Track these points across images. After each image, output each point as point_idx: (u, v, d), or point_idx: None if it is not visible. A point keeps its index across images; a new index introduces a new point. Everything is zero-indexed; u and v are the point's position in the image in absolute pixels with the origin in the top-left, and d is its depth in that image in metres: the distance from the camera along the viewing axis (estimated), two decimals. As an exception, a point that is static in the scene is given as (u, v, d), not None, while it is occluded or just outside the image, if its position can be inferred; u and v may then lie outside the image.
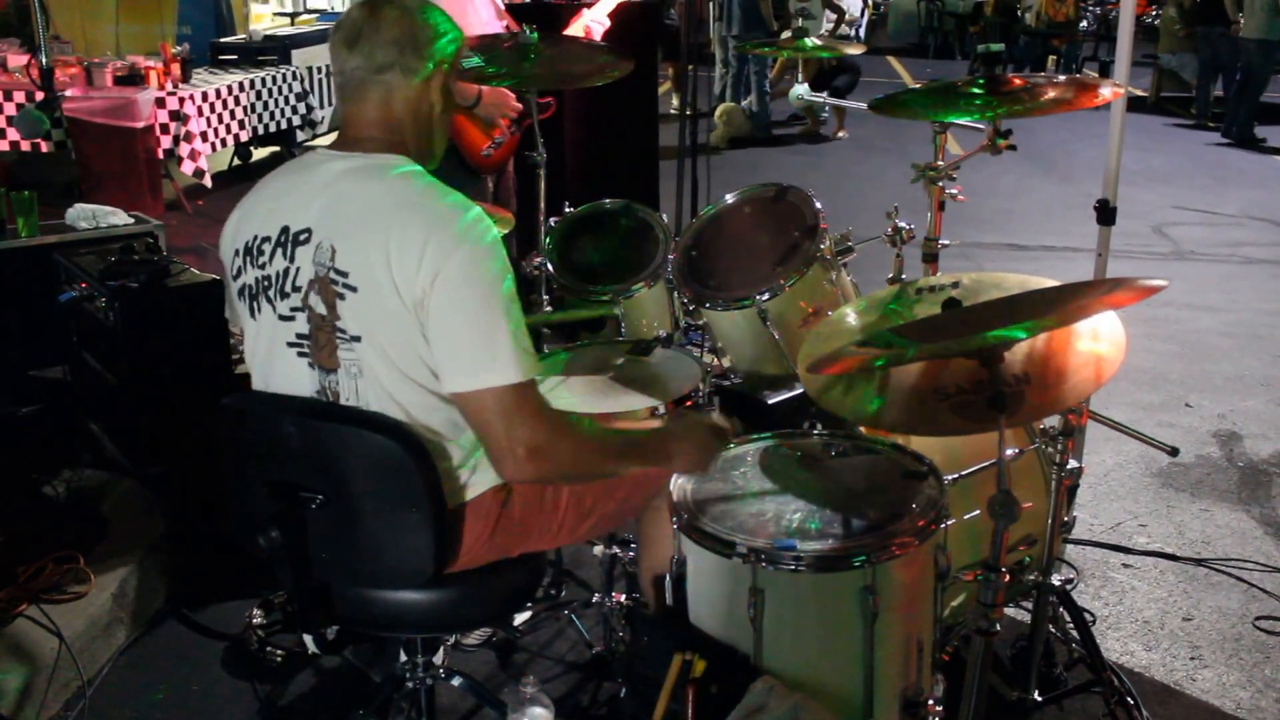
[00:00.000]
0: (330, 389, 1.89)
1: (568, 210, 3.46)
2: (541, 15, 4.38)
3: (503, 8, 3.91)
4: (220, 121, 7.38)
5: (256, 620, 2.96)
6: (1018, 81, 2.68)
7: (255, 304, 1.94)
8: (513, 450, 1.80)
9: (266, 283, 1.91)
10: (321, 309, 1.85)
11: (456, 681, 2.51)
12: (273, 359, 1.95)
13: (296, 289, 1.87)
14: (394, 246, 1.77)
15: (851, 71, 10.49)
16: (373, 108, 1.92)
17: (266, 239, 1.91)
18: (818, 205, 2.95)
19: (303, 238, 1.86)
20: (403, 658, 2.31)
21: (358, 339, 1.83)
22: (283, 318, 1.91)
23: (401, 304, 1.78)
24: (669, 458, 2.07)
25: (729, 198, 3.17)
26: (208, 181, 7.20)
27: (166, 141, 6.94)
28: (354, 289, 1.81)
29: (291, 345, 1.91)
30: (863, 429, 2.41)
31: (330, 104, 8.93)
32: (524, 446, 1.80)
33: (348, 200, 1.85)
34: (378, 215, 1.81)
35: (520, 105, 3.70)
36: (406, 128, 1.93)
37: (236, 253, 1.96)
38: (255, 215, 1.96)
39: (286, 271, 1.88)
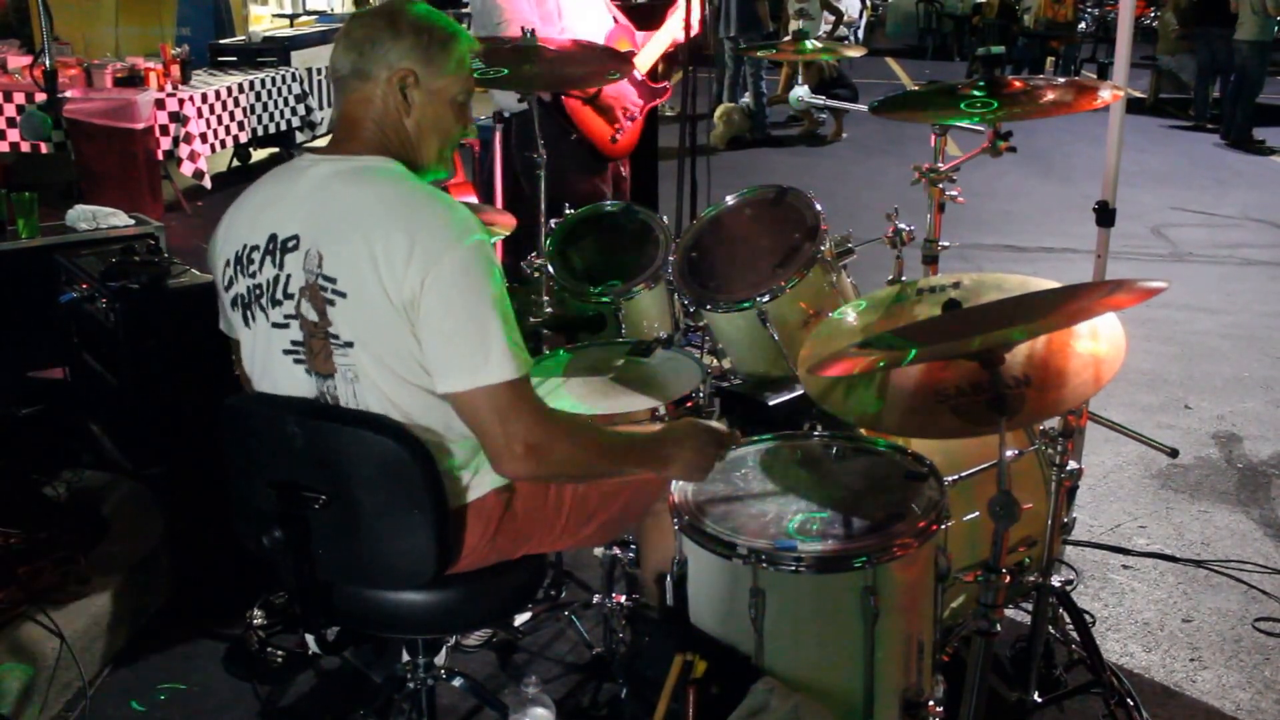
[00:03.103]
0: (329, 394, 1.89)
1: (568, 212, 3.46)
2: (638, 12, 4.49)
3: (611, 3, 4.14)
4: (220, 123, 7.38)
5: (257, 621, 2.96)
6: (1018, 84, 2.69)
7: (249, 313, 1.94)
8: (510, 447, 1.81)
9: (258, 291, 1.91)
10: (313, 316, 1.85)
11: (457, 682, 2.51)
12: (270, 366, 1.95)
13: (289, 296, 1.87)
14: (380, 250, 1.77)
15: (849, 88, 10.54)
16: (349, 110, 1.95)
17: (255, 247, 1.91)
18: (818, 207, 2.96)
19: (290, 244, 1.86)
20: (404, 658, 2.31)
21: (350, 344, 1.83)
22: (276, 325, 1.91)
23: (391, 307, 1.78)
24: (666, 462, 2.06)
25: (729, 199, 3.17)
26: (207, 183, 7.21)
27: (166, 143, 6.95)
28: (343, 294, 1.81)
29: (287, 352, 1.91)
30: (863, 431, 2.41)
31: (329, 105, 8.94)
32: (521, 443, 1.80)
33: (331, 204, 1.85)
34: (361, 219, 1.81)
35: (640, 101, 4.02)
36: (384, 131, 1.95)
37: (228, 263, 1.96)
38: (243, 224, 1.96)
39: (277, 279, 1.88)
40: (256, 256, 1.90)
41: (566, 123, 3.90)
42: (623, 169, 4.24)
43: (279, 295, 1.88)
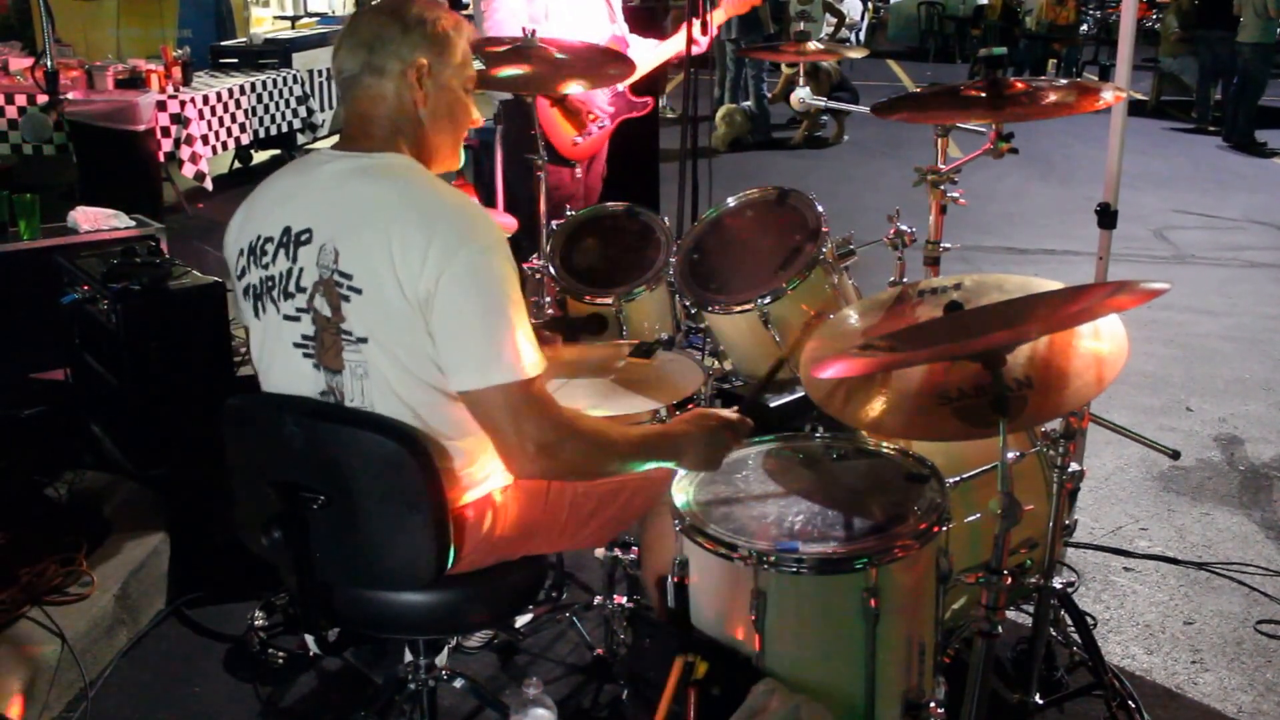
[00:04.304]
0: (336, 390, 1.89)
1: (570, 213, 3.47)
2: (636, 16, 4.49)
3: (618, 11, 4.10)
4: (221, 125, 7.37)
5: (258, 622, 2.97)
6: (1020, 86, 2.69)
7: (259, 304, 1.95)
8: (523, 447, 1.81)
9: (270, 283, 1.92)
10: (326, 311, 1.86)
11: (458, 683, 2.51)
12: (277, 359, 1.96)
13: (301, 290, 1.88)
14: (396, 246, 1.77)
15: (850, 91, 10.57)
16: (361, 107, 1.96)
17: (269, 239, 1.91)
18: (819, 209, 2.96)
19: (304, 238, 1.87)
20: (405, 659, 2.31)
21: (364, 340, 1.84)
22: (287, 318, 1.91)
23: (406, 303, 1.78)
24: (679, 454, 2.06)
25: (730, 201, 3.17)
26: (209, 184, 7.20)
27: (167, 144, 6.93)
28: (359, 291, 1.81)
29: (297, 346, 1.91)
30: (865, 432, 2.41)
31: (331, 107, 8.94)
32: (534, 443, 1.81)
33: (348, 201, 1.86)
34: (378, 215, 1.82)
35: (609, 108, 4.01)
36: (399, 126, 1.96)
37: (241, 252, 1.97)
38: (258, 215, 1.97)
39: (289, 272, 1.89)
40: (270, 248, 1.91)
41: (522, 118, 3.90)
42: (577, 169, 4.18)
43: (291, 288, 1.89)
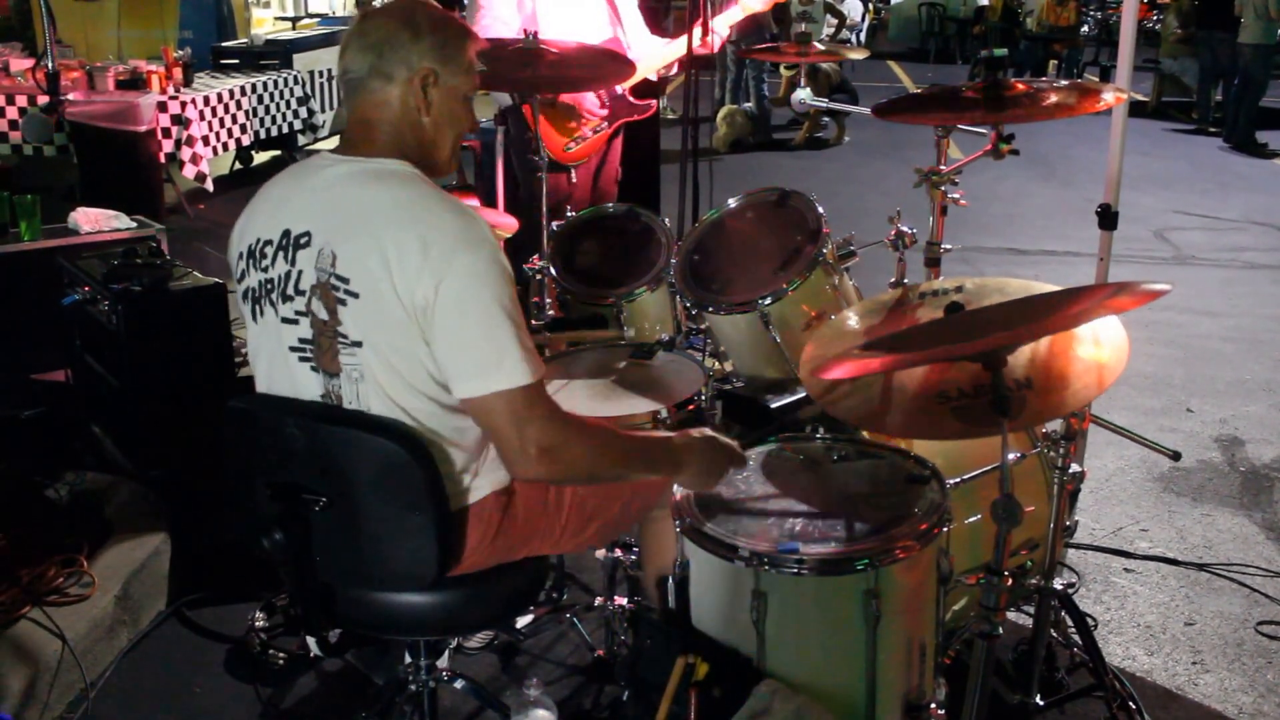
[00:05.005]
0: (333, 393, 1.90)
1: (571, 214, 3.47)
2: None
3: (619, 12, 4.05)
4: (222, 125, 7.38)
5: (259, 623, 2.97)
6: (1021, 87, 2.69)
7: (258, 307, 1.95)
8: (525, 451, 1.81)
9: (269, 286, 1.92)
10: (323, 314, 1.86)
11: (459, 684, 2.52)
12: (276, 362, 1.96)
13: (300, 293, 1.88)
14: (393, 252, 1.77)
15: (850, 92, 10.59)
16: (364, 112, 1.95)
17: (269, 242, 1.92)
18: (820, 209, 2.96)
19: (303, 241, 1.87)
20: (406, 660, 2.31)
21: (359, 344, 1.84)
22: (285, 321, 1.91)
23: (402, 310, 1.79)
24: (678, 468, 2.06)
25: (731, 202, 3.17)
26: (209, 185, 7.20)
27: (168, 145, 6.94)
28: (355, 295, 1.82)
29: (294, 349, 1.91)
30: (865, 433, 2.41)
31: (331, 108, 8.95)
32: (536, 447, 1.81)
33: (346, 205, 1.86)
34: (375, 220, 1.81)
35: (603, 113, 3.99)
36: (401, 132, 1.95)
37: (241, 255, 1.97)
38: (259, 218, 1.97)
39: (288, 275, 1.89)
40: (269, 251, 1.91)
41: (522, 121, 3.89)
42: (572, 173, 4.11)
43: (290, 291, 1.89)
